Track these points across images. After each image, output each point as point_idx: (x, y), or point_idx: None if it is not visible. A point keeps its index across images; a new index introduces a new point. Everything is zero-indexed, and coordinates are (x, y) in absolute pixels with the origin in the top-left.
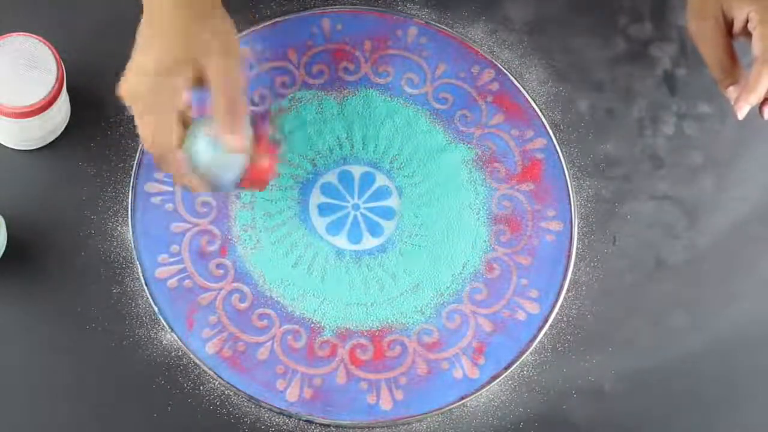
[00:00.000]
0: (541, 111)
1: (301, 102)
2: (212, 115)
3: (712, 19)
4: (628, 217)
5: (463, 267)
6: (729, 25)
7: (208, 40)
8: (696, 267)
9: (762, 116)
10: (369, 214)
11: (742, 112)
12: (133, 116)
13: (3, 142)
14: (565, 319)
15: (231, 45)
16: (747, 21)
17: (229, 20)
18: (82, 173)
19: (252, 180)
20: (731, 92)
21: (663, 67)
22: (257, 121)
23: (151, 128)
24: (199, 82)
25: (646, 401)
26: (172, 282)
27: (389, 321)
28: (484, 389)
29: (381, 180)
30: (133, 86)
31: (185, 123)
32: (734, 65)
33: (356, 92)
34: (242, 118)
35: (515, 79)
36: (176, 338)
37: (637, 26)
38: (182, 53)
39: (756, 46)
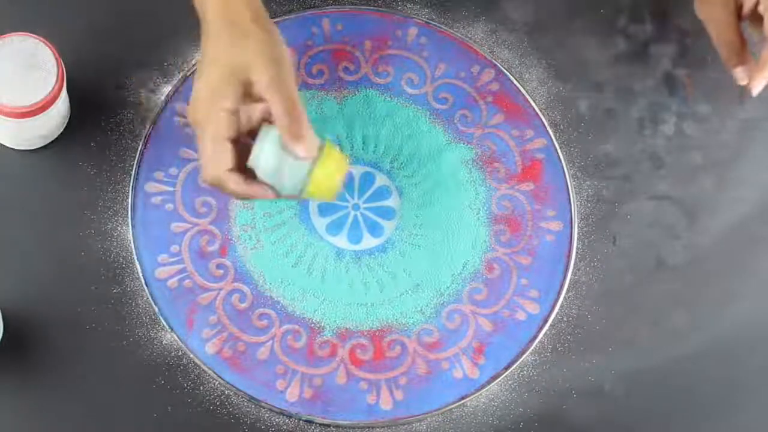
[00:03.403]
0: (541, 111)
1: None
2: (276, 123)
3: (721, 1)
4: (628, 217)
5: (463, 267)
6: (737, 6)
7: (251, 58)
8: (696, 267)
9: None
10: (369, 214)
11: (757, 89)
12: (133, 116)
13: (3, 142)
14: (565, 319)
15: (276, 55)
16: (757, 3)
17: (273, 30)
18: (82, 173)
19: (320, 187)
20: (739, 72)
21: (663, 67)
22: None
23: (205, 156)
24: (256, 100)
25: (646, 401)
26: (172, 282)
27: (389, 321)
28: (484, 389)
29: (381, 180)
30: (191, 113)
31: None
32: (743, 46)
33: (356, 92)
34: (305, 124)
35: (515, 79)
36: (176, 338)
37: (637, 26)
38: (227, 74)
39: None
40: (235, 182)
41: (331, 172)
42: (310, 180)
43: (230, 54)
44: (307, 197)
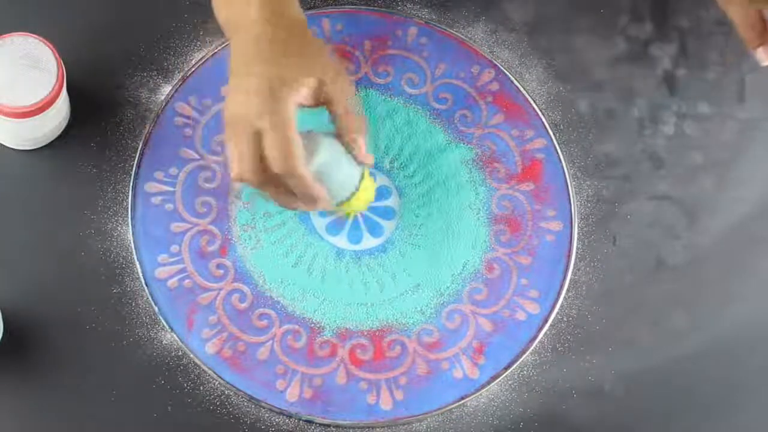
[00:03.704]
0: (541, 111)
1: None
2: (339, 131)
3: None
4: (628, 217)
5: (463, 267)
6: None
7: (326, 62)
8: (696, 267)
9: None
10: (369, 214)
11: None
12: (133, 116)
13: (3, 142)
14: (565, 319)
15: (341, 65)
16: None
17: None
18: (82, 173)
19: (361, 198)
20: (761, 52)
21: (663, 67)
22: None
23: (275, 149)
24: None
25: (646, 401)
26: (172, 282)
27: (389, 321)
28: (484, 389)
29: (381, 180)
30: (241, 107)
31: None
32: (765, 26)
33: (356, 92)
34: (365, 128)
35: (515, 79)
36: (176, 338)
37: (637, 26)
38: (293, 74)
39: None
40: (309, 174)
41: (370, 183)
42: (360, 187)
43: (294, 56)
44: (343, 207)
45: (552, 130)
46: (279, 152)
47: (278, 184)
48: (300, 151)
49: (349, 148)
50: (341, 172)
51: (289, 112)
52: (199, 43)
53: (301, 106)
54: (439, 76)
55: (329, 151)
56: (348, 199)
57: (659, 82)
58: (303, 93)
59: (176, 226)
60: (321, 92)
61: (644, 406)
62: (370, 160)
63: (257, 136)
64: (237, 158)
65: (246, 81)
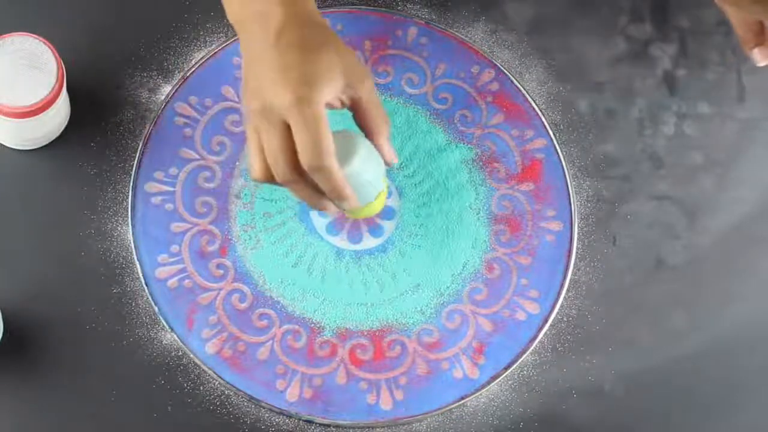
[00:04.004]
0: (541, 111)
1: None
2: (368, 131)
3: None
4: (628, 217)
5: (463, 267)
6: None
7: (354, 62)
8: (696, 267)
9: None
10: None
11: None
12: (133, 116)
13: (3, 142)
14: (565, 319)
15: (367, 67)
16: None
17: None
18: (82, 173)
19: (377, 203)
20: (756, 53)
21: (663, 67)
22: None
23: (307, 141)
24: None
25: (646, 401)
26: (172, 282)
27: (389, 321)
28: (484, 389)
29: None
30: (269, 95)
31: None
32: (761, 27)
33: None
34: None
35: (515, 79)
36: (176, 338)
37: (637, 26)
38: (334, 70)
39: None
40: (338, 169)
41: (386, 186)
42: (383, 191)
43: (322, 53)
44: (363, 209)
45: (552, 130)
46: (310, 145)
47: (304, 181)
48: (332, 147)
49: (378, 149)
50: (370, 173)
51: (321, 106)
52: (199, 43)
53: (329, 106)
54: (439, 76)
55: (366, 151)
56: (372, 200)
57: (659, 82)
58: (333, 89)
59: (176, 226)
60: (348, 92)
61: (644, 406)
62: (396, 160)
63: (286, 130)
64: (262, 153)
65: (271, 72)
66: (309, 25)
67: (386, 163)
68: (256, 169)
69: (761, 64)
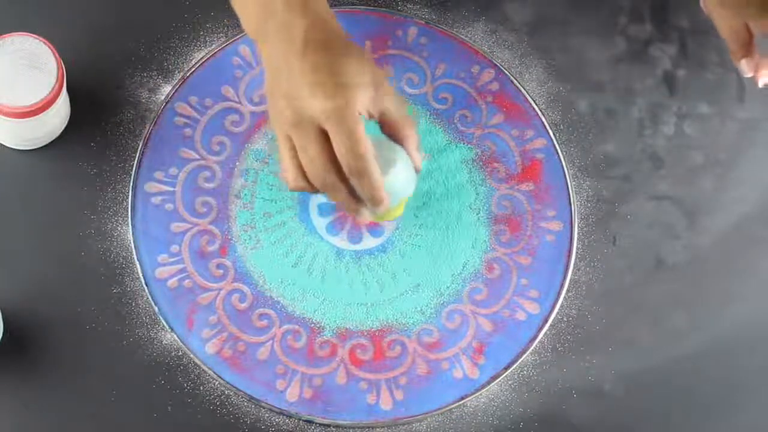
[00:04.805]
0: (541, 111)
1: None
2: (399, 138)
3: None
4: (628, 217)
5: (463, 267)
6: None
7: (377, 70)
8: (696, 267)
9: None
10: None
11: (762, 80)
12: (133, 116)
13: (3, 142)
14: (565, 319)
15: (385, 72)
16: None
17: None
18: (82, 173)
19: (399, 208)
20: (744, 64)
21: (663, 67)
22: None
23: (347, 144)
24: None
25: (646, 401)
26: (172, 282)
27: (389, 321)
28: (484, 389)
29: None
30: (307, 100)
31: None
32: (750, 38)
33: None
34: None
35: (515, 79)
36: (176, 338)
37: (637, 26)
38: (364, 78)
39: None
40: (379, 173)
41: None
42: (408, 196)
43: (350, 63)
44: (384, 215)
45: (552, 130)
46: (350, 151)
47: (343, 186)
48: (372, 151)
49: (409, 153)
50: (404, 179)
51: (356, 112)
52: (199, 43)
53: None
54: (439, 76)
55: (403, 157)
56: (399, 204)
57: (659, 82)
58: (366, 95)
59: (176, 226)
60: (377, 104)
61: (644, 406)
62: (421, 165)
63: (323, 136)
64: (296, 160)
65: (303, 81)
66: (330, 32)
67: (416, 169)
68: (291, 178)
69: (749, 75)
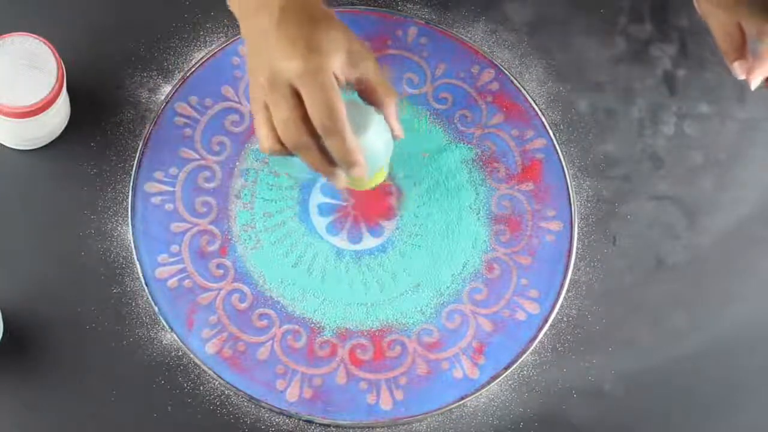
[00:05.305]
0: (541, 111)
1: None
2: (377, 102)
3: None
4: (628, 217)
5: (463, 267)
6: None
7: (354, 37)
8: (696, 267)
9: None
10: (369, 214)
11: (755, 83)
12: (133, 116)
13: (3, 142)
14: (565, 319)
15: (370, 48)
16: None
17: None
18: (82, 173)
19: (384, 171)
20: (737, 67)
21: (663, 67)
22: None
23: (318, 102)
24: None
25: (646, 401)
26: (172, 282)
27: (389, 321)
28: (484, 389)
29: None
30: (280, 65)
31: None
32: (743, 40)
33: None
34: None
35: (515, 79)
36: (176, 338)
37: (637, 26)
38: (339, 41)
39: None
40: (351, 133)
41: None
42: (388, 164)
43: (325, 27)
44: (363, 182)
45: (552, 130)
46: (324, 108)
47: (316, 146)
48: (344, 110)
49: (387, 120)
50: (381, 144)
51: (330, 74)
52: (199, 43)
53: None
54: (439, 76)
55: (378, 121)
56: (379, 170)
57: (659, 82)
58: (340, 59)
59: (176, 226)
60: (353, 72)
61: (644, 406)
62: (403, 135)
63: (296, 97)
64: (270, 123)
65: (277, 45)
66: (309, 5)
67: (394, 137)
68: (264, 139)
69: (742, 77)
